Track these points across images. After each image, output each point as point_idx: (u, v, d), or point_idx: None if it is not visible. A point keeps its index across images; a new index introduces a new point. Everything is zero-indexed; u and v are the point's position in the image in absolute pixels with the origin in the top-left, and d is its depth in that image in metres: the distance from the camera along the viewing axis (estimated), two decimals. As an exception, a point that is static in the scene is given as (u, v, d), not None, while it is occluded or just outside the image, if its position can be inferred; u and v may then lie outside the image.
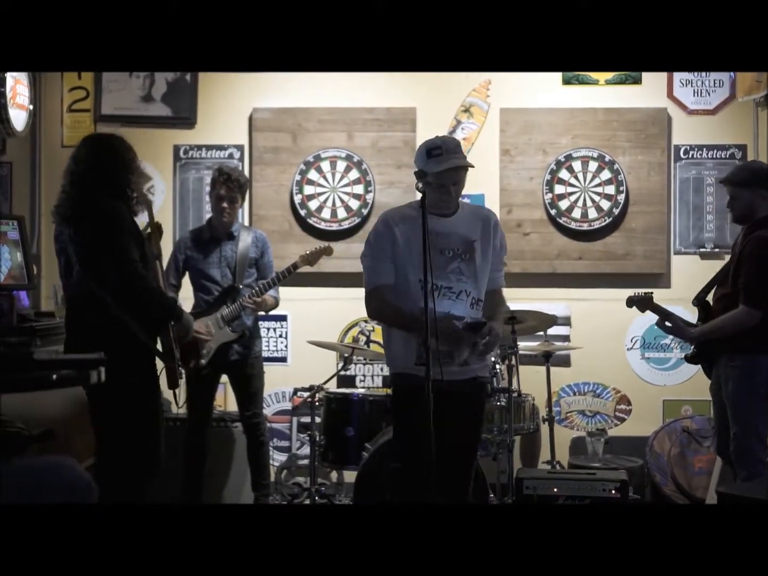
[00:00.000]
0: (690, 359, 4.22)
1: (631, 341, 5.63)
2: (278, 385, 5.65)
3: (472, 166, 3.49)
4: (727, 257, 5.51)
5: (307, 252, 4.87)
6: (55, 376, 2.42)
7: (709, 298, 4.25)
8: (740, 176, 4.11)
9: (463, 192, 5.45)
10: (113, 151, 3.67)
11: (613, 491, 4.11)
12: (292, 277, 5.20)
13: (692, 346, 4.25)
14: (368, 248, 3.49)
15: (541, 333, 5.07)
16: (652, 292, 4.18)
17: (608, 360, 5.61)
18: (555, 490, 4.15)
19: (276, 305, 4.89)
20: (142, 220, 3.83)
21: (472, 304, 3.40)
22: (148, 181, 3.93)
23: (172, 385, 3.79)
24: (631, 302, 4.21)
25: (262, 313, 4.91)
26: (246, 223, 5.60)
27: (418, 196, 5.51)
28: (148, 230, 3.99)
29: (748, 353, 3.88)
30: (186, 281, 4.84)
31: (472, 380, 3.44)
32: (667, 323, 4.09)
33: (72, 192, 3.64)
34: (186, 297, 4.80)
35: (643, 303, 4.16)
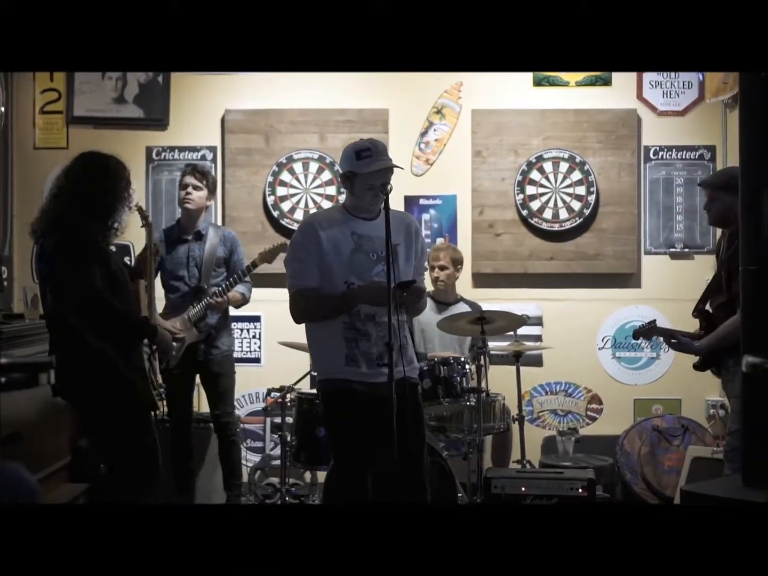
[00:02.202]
0: (698, 367, 4.26)
1: (603, 341, 5.67)
2: (252, 385, 5.67)
3: (402, 168, 3.53)
4: (697, 257, 5.65)
5: (265, 249, 4.91)
6: (3, 380, 2.44)
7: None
8: (720, 180, 4.16)
9: (436, 193, 5.66)
10: (104, 175, 3.60)
11: (580, 490, 4.15)
12: (266, 278, 5.23)
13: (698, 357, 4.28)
14: (293, 251, 3.48)
15: (512, 333, 5.09)
16: (654, 320, 4.23)
17: (580, 359, 5.65)
18: (523, 489, 4.18)
19: (244, 301, 4.92)
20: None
21: (397, 306, 3.38)
22: (135, 208, 3.89)
23: (149, 406, 3.71)
24: (638, 335, 4.24)
25: (233, 311, 4.93)
26: (219, 224, 5.61)
27: (393, 198, 5.58)
28: (146, 253, 4.00)
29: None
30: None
31: (401, 381, 3.35)
32: (673, 340, 4.12)
33: (50, 207, 3.59)
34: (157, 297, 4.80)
35: (649, 332, 4.20)
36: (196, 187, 4.77)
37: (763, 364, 2.26)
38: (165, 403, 4.81)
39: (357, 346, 3.41)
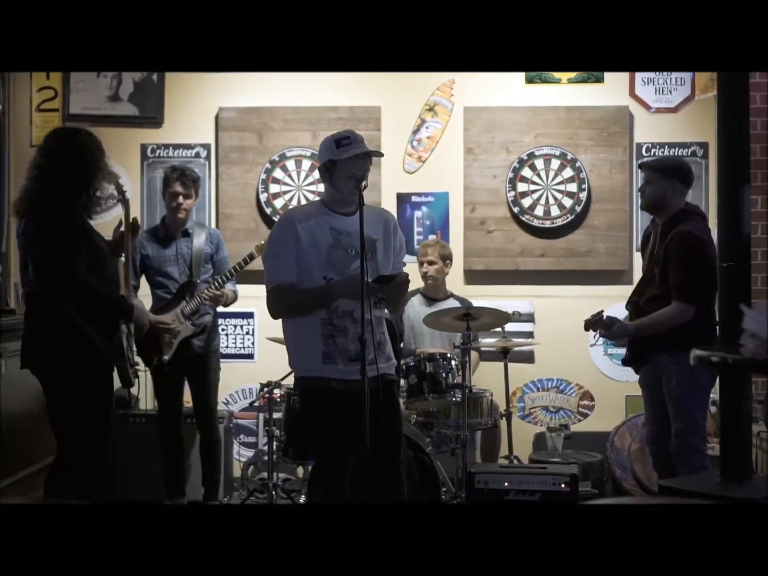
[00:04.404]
0: (626, 362, 4.28)
1: (594, 337, 5.61)
2: (245, 381, 5.71)
3: (382, 155, 3.56)
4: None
5: (262, 242, 4.94)
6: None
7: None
8: (659, 163, 4.21)
9: (428, 190, 5.68)
10: (77, 148, 3.68)
11: (563, 485, 4.17)
12: (258, 274, 5.24)
13: (625, 350, 4.30)
14: (271, 247, 3.49)
15: (500, 329, 5.11)
16: (602, 311, 4.22)
17: (571, 356, 5.65)
18: (506, 484, 4.20)
19: (235, 298, 4.96)
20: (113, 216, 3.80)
21: (375, 302, 3.38)
22: (114, 179, 3.89)
23: (125, 383, 3.85)
24: (589, 325, 4.23)
25: (221, 308, 4.98)
26: (213, 221, 5.68)
27: (385, 195, 5.62)
28: (122, 229, 4.04)
29: (691, 349, 3.94)
30: (144, 280, 4.91)
31: (379, 378, 3.35)
32: (613, 329, 4.13)
33: (30, 187, 3.67)
34: (144, 294, 4.89)
35: (596, 324, 4.20)
36: (186, 196, 4.80)
37: (710, 357, 2.28)
38: (155, 397, 4.94)
39: (334, 342, 3.41)
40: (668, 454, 4.06)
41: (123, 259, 3.98)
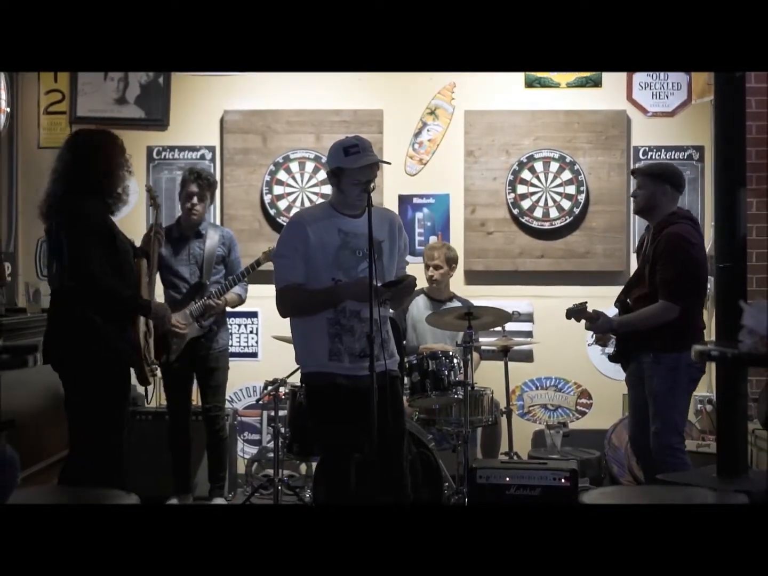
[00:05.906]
0: (612, 358, 4.38)
1: (592, 337, 5.73)
2: (249, 379, 5.80)
3: (389, 164, 3.62)
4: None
5: (269, 248, 5.02)
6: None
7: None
8: (650, 168, 4.32)
9: (429, 192, 5.78)
10: (91, 149, 3.77)
11: (563, 480, 4.25)
12: (263, 274, 5.35)
13: (613, 347, 4.39)
14: (280, 248, 3.58)
15: (500, 329, 5.20)
16: (586, 302, 4.32)
17: (570, 355, 5.75)
18: (507, 479, 4.28)
19: (240, 301, 5.05)
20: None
21: (381, 302, 3.45)
22: (128, 178, 3.98)
23: (142, 381, 3.94)
24: (570, 314, 4.32)
25: (228, 308, 5.07)
26: (218, 222, 5.75)
27: (387, 197, 5.71)
28: (152, 233, 4.21)
29: (674, 351, 4.03)
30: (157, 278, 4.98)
31: (383, 374, 3.45)
32: (598, 322, 4.23)
33: (51, 189, 3.77)
34: (157, 295, 4.95)
35: (579, 314, 4.30)
36: (201, 198, 4.88)
37: (710, 351, 2.37)
38: (163, 393, 5.02)
39: (341, 341, 3.50)
40: (650, 451, 4.14)
41: (147, 262, 4.09)
